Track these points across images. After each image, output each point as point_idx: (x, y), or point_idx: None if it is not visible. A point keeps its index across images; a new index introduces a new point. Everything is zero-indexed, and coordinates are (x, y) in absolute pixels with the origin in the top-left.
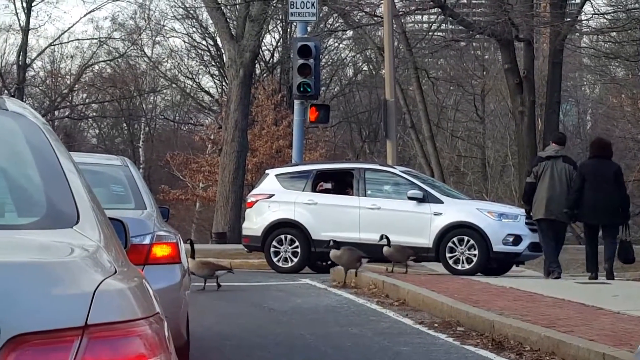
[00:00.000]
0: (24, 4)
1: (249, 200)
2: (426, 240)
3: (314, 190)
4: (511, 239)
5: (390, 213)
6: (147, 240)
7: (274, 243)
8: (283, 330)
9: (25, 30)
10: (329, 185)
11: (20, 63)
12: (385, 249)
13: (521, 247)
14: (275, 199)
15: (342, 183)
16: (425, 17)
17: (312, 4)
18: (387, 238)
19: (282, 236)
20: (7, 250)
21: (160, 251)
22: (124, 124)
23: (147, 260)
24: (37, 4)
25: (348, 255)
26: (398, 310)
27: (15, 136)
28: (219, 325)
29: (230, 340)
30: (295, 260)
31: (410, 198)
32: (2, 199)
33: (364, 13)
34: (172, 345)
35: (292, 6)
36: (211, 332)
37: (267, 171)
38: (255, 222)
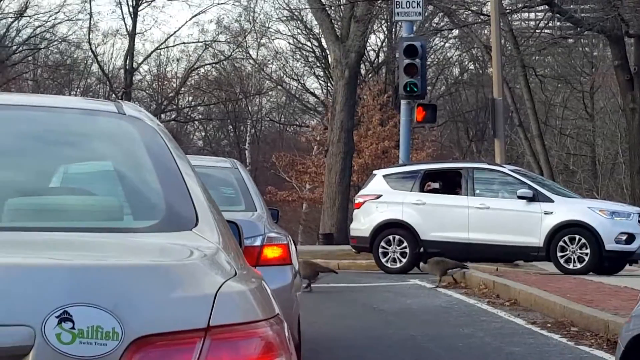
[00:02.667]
0: (131, 9)
1: (356, 201)
2: (536, 240)
3: (421, 190)
4: (624, 238)
5: (499, 212)
6: (258, 242)
7: (382, 244)
8: (393, 331)
9: (132, 35)
10: (436, 185)
11: (127, 67)
12: (421, 264)
13: (634, 245)
14: (383, 200)
15: (450, 183)
16: (532, 15)
17: (418, 3)
18: (425, 253)
19: (390, 237)
20: (128, 253)
21: (271, 253)
22: (230, 126)
23: (258, 262)
24: (144, 9)
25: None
26: (509, 310)
27: (133, 140)
28: (329, 326)
29: (341, 341)
30: (404, 260)
31: (520, 197)
32: (121, 203)
33: (470, 11)
34: (292, 346)
35: (397, 6)
36: (322, 333)
37: (374, 172)
38: (363, 223)
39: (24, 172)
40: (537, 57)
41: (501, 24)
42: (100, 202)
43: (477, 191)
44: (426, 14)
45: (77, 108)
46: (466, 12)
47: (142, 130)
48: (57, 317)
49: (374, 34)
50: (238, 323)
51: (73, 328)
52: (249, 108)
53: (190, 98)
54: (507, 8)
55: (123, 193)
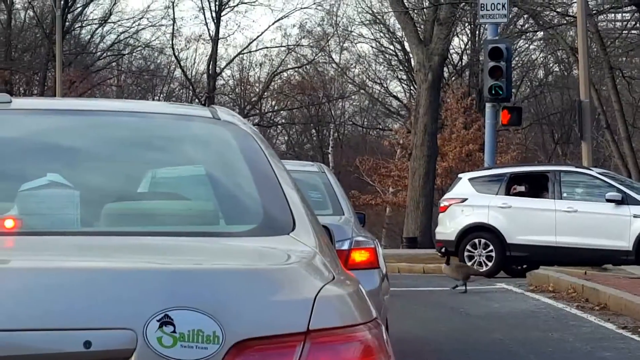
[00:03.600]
0: (214, 14)
1: (442, 205)
2: (625, 243)
3: (507, 193)
4: None
5: (587, 216)
6: (345, 246)
7: (468, 247)
8: (481, 335)
9: (215, 40)
10: (522, 188)
11: (210, 72)
12: (443, 266)
13: None
14: (468, 203)
15: (536, 186)
16: (619, 15)
17: (503, 5)
18: (448, 254)
19: (476, 240)
20: (227, 258)
21: (359, 256)
22: (313, 130)
23: (346, 266)
24: (226, 14)
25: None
26: (599, 314)
27: (228, 145)
28: (417, 329)
29: (429, 344)
30: (490, 264)
31: (608, 200)
32: (217, 207)
33: (555, 13)
34: (390, 349)
35: (482, 8)
36: (410, 336)
37: (459, 175)
38: (448, 227)
39: (120, 177)
40: (624, 59)
41: (587, 25)
42: (196, 207)
43: (565, 194)
44: (510, 16)
45: (172, 114)
46: (551, 14)
47: (237, 135)
48: (158, 320)
49: (457, 36)
50: (337, 327)
51: (174, 332)
52: (332, 112)
53: (273, 102)
54: (594, 9)
55: (219, 198)
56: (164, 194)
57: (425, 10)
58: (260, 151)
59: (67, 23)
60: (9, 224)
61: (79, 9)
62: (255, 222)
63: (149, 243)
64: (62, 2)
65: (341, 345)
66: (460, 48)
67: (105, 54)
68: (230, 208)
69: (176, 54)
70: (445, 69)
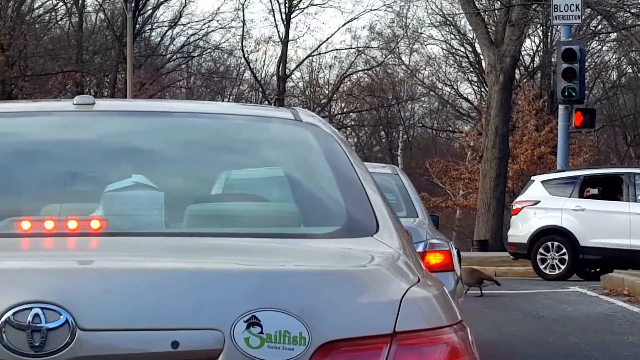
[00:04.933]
0: (283, 16)
1: (514, 207)
2: None
3: (581, 196)
4: None
5: None
6: (420, 248)
7: (541, 250)
8: (556, 339)
9: (285, 42)
10: (595, 191)
11: (280, 74)
12: None
13: None
14: (541, 206)
15: (610, 188)
16: None
17: (577, 7)
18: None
19: (549, 243)
20: (312, 259)
21: (433, 259)
22: (382, 132)
23: None
24: (296, 16)
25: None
26: None
27: (311, 147)
28: (490, 333)
29: (502, 347)
30: (563, 267)
31: None
32: (299, 209)
33: (629, 14)
34: (476, 351)
35: (555, 9)
36: (483, 340)
37: (532, 178)
38: (521, 229)
39: (202, 179)
40: None
41: None
42: (278, 209)
43: (639, 197)
44: (583, 17)
45: (253, 115)
46: (625, 15)
47: (319, 137)
48: (245, 321)
49: (529, 38)
50: (423, 329)
51: (261, 332)
52: (402, 114)
53: (343, 104)
54: None
55: (302, 199)
56: (245, 195)
57: (497, 11)
58: (342, 153)
59: (137, 25)
60: (95, 224)
61: (149, 12)
62: (338, 223)
63: (233, 244)
64: (132, 5)
65: (428, 347)
66: (532, 49)
67: (175, 56)
68: (312, 210)
69: (246, 56)
70: (516, 70)
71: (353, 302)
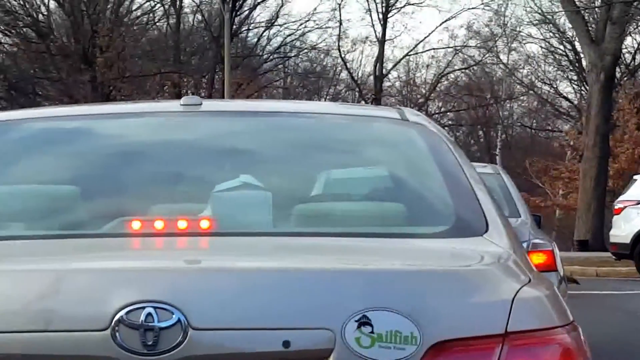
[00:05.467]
0: (380, 16)
1: (616, 207)
2: None
3: None
4: None
5: None
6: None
7: None
8: None
9: (382, 42)
10: None
11: (376, 74)
12: None
13: None
14: None
15: None
16: None
17: None
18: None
19: None
20: (423, 259)
21: (536, 259)
22: (480, 132)
23: None
24: (393, 15)
25: None
26: None
27: (418, 146)
28: (592, 336)
29: (605, 348)
30: None
31: None
32: (405, 209)
33: None
34: (590, 354)
35: None
36: (588, 341)
37: (634, 177)
38: (623, 229)
39: (308, 178)
40: None
41: None
42: (386, 209)
43: None
44: None
45: (359, 115)
46: None
47: (426, 137)
48: (356, 321)
49: (630, 35)
50: (535, 329)
51: (372, 332)
52: (500, 113)
53: (440, 104)
54: None
55: (409, 199)
56: (351, 195)
57: (597, 9)
58: (450, 152)
59: (234, 26)
60: (204, 224)
61: (246, 12)
62: (447, 223)
63: (342, 244)
64: (230, 6)
65: (540, 348)
66: (633, 47)
67: (271, 57)
68: (419, 209)
69: (342, 55)
70: (617, 68)
71: (464, 302)
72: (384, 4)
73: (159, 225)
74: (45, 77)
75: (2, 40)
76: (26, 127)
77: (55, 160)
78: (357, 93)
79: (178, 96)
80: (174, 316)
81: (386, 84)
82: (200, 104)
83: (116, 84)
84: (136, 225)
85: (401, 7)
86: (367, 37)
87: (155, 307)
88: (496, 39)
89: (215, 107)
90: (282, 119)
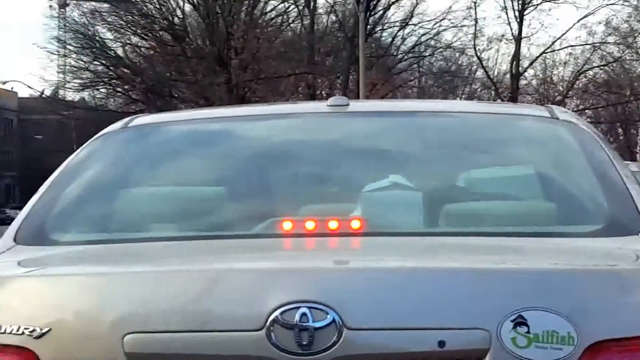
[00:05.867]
0: (516, 13)
1: None
2: None
3: None
4: None
5: None
6: None
7: None
8: None
9: (518, 39)
10: None
11: (513, 72)
12: None
13: None
14: None
15: None
16: None
17: None
18: None
19: None
20: (578, 258)
21: None
22: (620, 129)
23: None
24: (529, 13)
25: None
26: None
27: (568, 145)
28: None
29: None
30: None
31: None
32: (555, 208)
33: None
34: None
35: None
36: None
37: None
38: None
39: (456, 178)
40: None
41: None
42: (535, 207)
43: None
44: None
45: (508, 113)
46: None
47: (577, 135)
48: (512, 321)
49: None
50: None
51: (528, 332)
52: None
53: (578, 101)
54: None
55: (560, 198)
56: (499, 194)
57: None
58: (602, 150)
59: (368, 26)
60: (355, 224)
61: (380, 12)
62: (600, 222)
63: (493, 243)
64: (364, 6)
65: None
66: None
67: (406, 56)
68: (572, 208)
69: (478, 54)
70: None
71: (621, 302)
72: (520, 2)
73: (310, 225)
74: (181, 80)
75: (139, 44)
76: (176, 129)
77: (205, 161)
78: (492, 92)
79: (312, 97)
80: (328, 316)
81: (522, 82)
82: (347, 105)
83: (251, 86)
84: (287, 225)
85: (538, 4)
86: (502, 35)
87: (309, 307)
88: (636, 35)
89: (362, 107)
90: (430, 119)
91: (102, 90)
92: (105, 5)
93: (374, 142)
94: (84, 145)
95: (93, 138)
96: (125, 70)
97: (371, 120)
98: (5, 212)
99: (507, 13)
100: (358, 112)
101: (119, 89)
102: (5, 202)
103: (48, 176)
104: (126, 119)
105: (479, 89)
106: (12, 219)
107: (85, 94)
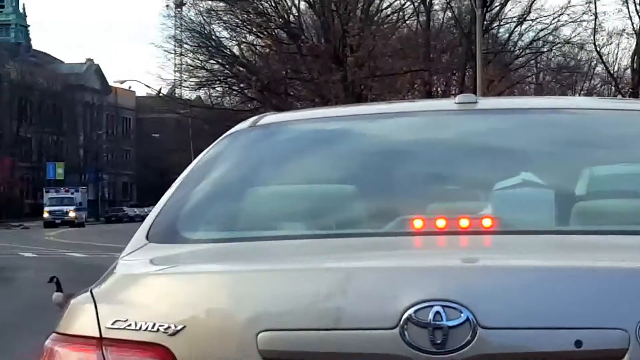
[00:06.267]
0: (638, 7)
1: None
2: None
3: None
4: None
5: None
6: None
7: None
8: None
9: (639, 34)
10: None
11: (634, 67)
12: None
13: None
14: None
15: None
16: None
17: None
18: None
19: None
20: None
21: None
22: None
23: None
24: None
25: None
26: None
27: None
28: None
29: None
30: None
31: None
32: None
33: None
34: None
35: None
36: None
37: None
38: None
39: (586, 175)
40: None
41: None
42: None
43: None
44: None
45: (632, 109)
46: None
47: None
48: None
49: None
50: None
51: None
52: None
53: None
54: None
55: None
56: (629, 192)
57: None
58: None
59: (485, 22)
60: (487, 222)
61: (497, 8)
62: None
63: (629, 242)
64: (481, 1)
65: None
66: None
67: (523, 52)
68: None
69: (598, 49)
70: None
71: None
72: None
73: (441, 223)
74: (296, 78)
75: (255, 42)
76: (303, 128)
77: (333, 160)
78: (613, 87)
79: (428, 94)
80: (462, 315)
81: None
82: (476, 102)
83: (367, 83)
84: (418, 223)
85: None
86: (623, 30)
87: (443, 306)
88: None
89: (491, 104)
90: (559, 115)
91: (217, 88)
92: (221, 4)
93: (504, 139)
94: (212, 144)
95: (221, 137)
96: (241, 69)
97: (501, 117)
98: (123, 209)
99: (627, 7)
100: (487, 109)
101: (234, 88)
102: (122, 200)
103: (164, 174)
104: (253, 118)
105: (598, 85)
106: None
107: (201, 93)
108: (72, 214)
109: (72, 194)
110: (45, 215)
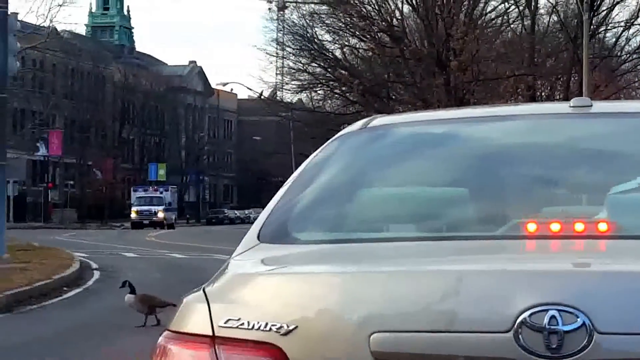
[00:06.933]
0: None
1: None
2: None
3: None
4: None
5: None
6: None
7: None
8: None
9: None
10: None
11: None
12: (127, 297)
13: None
14: None
15: None
16: None
17: None
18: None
19: None
20: None
21: None
22: None
23: None
24: None
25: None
26: None
27: None
28: None
29: None
30: None
31: None
32: None
33: None
34: None
35: None
36: None
37: None
38: None
39: None
40: None
41: None
42: None
43: None
44: None
45: None
46: None
47: None
48: None
49: None
50: None
51: None
52: None
53: None
54: None
55: None
56: None
57: None
58: None
59: (592, 26)
60: (602, 227)
61: (604, 12)
62: None
63: None
64: (588, 5)
65: None
66: None
67: (630, 57)
68: None
69: None
70: None
71: None
72: None
73: (555, 227)
74: (399, 81)
75: (357, 45)
76: (413, 130)
77: (443, 162)
78: None
79: (532, 99)
80: (578, 319)
81: None
82: (591, 106)
83: (469, 87)
84: (532, 227)
85: None
86: None
87: (559, 310)
88: None
89: (606, 108)
90: None
91: (319, 92)
92: (324, 7)
93: (620, 143)
94: (323, 146)
95: (332, 139)
96: (343, 72)
97: (616, 120)
98: (223, 212)
99: None
100: (602, 112)
101: (336, 91)
102: (223, 202)
103: (264, 177)
104: (364, 120)
105: None
106: (230, 219)
107: (303, 96)
108: (160, 214)
109: (161, 193)
110: (133, 215)
